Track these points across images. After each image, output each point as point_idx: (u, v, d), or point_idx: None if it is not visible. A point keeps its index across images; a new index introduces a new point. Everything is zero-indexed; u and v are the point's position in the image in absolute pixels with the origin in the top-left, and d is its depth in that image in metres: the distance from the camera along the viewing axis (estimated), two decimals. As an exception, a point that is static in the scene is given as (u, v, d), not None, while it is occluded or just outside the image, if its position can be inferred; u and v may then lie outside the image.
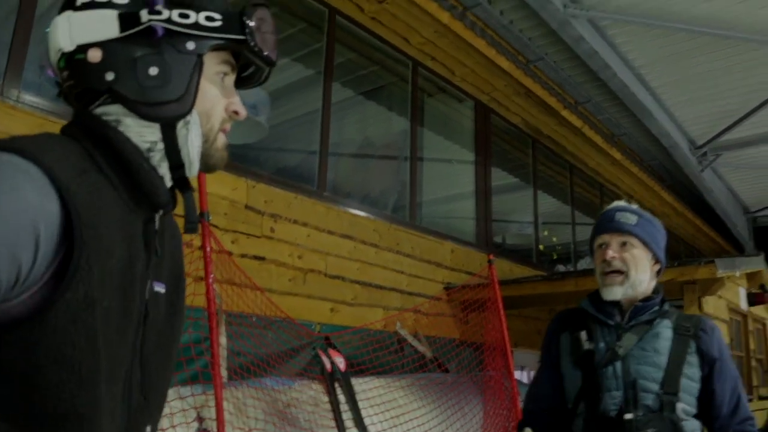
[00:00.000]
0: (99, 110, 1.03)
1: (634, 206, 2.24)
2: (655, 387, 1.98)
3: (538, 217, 7.83)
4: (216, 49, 1.06)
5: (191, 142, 1.05)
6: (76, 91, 1.03)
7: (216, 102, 1.08)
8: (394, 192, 6.04)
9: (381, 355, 4.38)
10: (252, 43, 1.05)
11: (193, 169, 1.07)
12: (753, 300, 7.03)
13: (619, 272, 2.08)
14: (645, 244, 2.12)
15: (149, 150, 1.03)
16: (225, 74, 1.10)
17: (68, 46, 1.01)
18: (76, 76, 1.02)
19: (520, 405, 4.66)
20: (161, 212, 1.07)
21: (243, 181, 4.12)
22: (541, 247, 8.07)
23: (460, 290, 5.42)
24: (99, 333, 0.90)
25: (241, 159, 4.59)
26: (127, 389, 0.99)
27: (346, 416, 3.76)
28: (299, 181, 4.76)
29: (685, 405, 1.99)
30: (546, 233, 8.68)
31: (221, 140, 1.11)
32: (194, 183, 3.26)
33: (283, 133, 6.02)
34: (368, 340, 4.41)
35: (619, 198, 9.75)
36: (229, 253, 3.61)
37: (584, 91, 7.42)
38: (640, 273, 2.09)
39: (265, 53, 1.08)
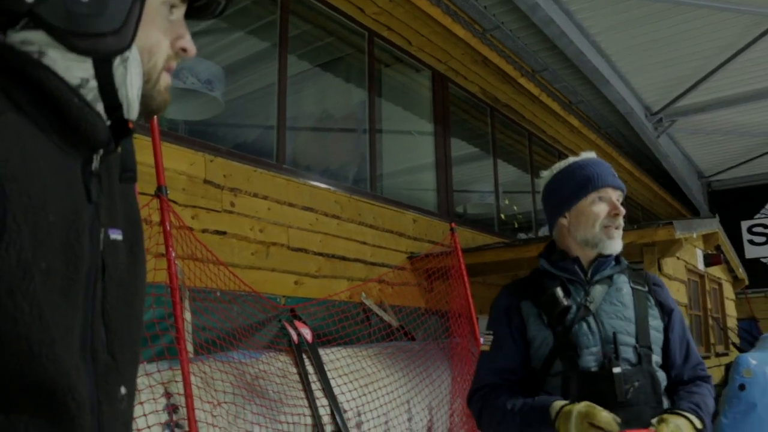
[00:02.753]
0: (17, 37, 0.86)
1: None
2: (632, 340, 1.98)
3: (498, 186, 7.88)
4: None
5: (130, 81, 0.91)
6: None
7: (161, 37, 0.94)
8: (355, 165, 6.01)
9: (347, 326, 4.38)
10: None
11: (132, 112, 0.93)
12: (709, 261, 7.19)
13: (620, 227, 2.09)
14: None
15: (79, 87, 0.88)
16: (173, 6, 0.95)
17: None
18: None
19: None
20: (101, 152, 0.93)
21: (201, 155, 4.06)
22: (502, 216, 8.13)
23: (424, 259, 5.44)
24: (43, 301, 0.78)
25: (198, 135, 4.52)
26: (89, 351, 0.88)
27: (315, 386, 3.75)
28: (258, 155, 4.70)
29: (657, 357, 2.01)
30: (507, 202, 8.74)
31: (165, 80, 0.97)
32: (150, 157, 3.21)
33: (239, 108, 5.93)
34: (334, 311, 4.40)
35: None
36: (190, 229, 3.56)
37: (541, 59, 7.45)
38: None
39: None
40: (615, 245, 2.06)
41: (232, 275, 3.67)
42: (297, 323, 4.04)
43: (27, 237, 0.77)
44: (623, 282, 2.09)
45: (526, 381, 2.07)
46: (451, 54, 6.54)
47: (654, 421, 1.82)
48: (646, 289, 2.10)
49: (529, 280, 2.16)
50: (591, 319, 2.00)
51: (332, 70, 6.23)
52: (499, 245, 5.89)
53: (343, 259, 4.96)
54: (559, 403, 1.87)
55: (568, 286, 2.07)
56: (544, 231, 8.93)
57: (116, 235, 0.96)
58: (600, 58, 7.52)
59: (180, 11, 0.97)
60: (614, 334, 1.96)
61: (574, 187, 2.11)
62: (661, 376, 2.00)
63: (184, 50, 0.98)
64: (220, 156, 4.19)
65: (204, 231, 3.93)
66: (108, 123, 0.92)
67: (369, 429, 3.94)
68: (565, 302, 2.02)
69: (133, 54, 0.90)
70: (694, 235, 5.72)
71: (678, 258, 5.79)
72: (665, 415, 1.85)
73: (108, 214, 0.95)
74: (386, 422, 4.08)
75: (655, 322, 2.05)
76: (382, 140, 6.10)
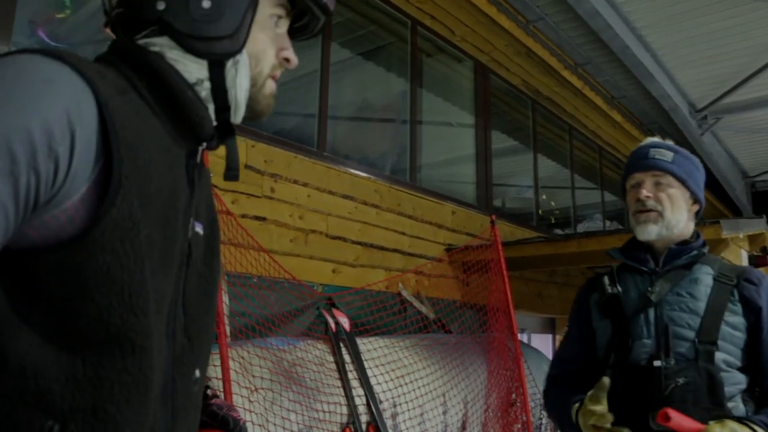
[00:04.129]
0: (143, 41, 0.98)
1: (670, 142, 2.10)
2: (691, 334, 1.84)
3: (538, 180, 7.78)
4: None
5: (239, 83, 1.00)
6: (123, 20, 0.97)
7: (267, 46, 1.04)
8: (394, 154, 5.97)
9: (384, 316, 4.35)
10: None
11: (238, 114, 1.03)
12: (755, 262, 7.00)
13: (653, 210, 1.96)
14: (682, 182, 1.98)
15: (195, 84, 0.98)
16: (279, 18, 1.06)
17: None
18: (125, 2, 0.97)
19: (524, 366, 4.66)
20: (204, 146, 1.03)
21: (242, 140, 4.04)
22: (539, 211, 8.04)
23: (462, 251, 5.38)
24: (145, 259, 0.85)
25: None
26: (170, 329, 0.94)
27: (352, 375, 3.73)
28: (299, 142, 4.68)
29: (727, 356, 1.83)
30: (544, 197, 8.64)
31: (270, 86, 1.06)
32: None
33: (281, 96, 5.90)
34: (370, 301, 4.37)
35: (618, 161, 9.71)
36: (231, 213, 3.55)
37: (584, 52, 7.32)
38: (676, 213, 1.96)
39: (323, 0, 1.06)
40: (642, 231, 1.97)
41: (272, 261, 3.66)
42: (335, 311, 4.02)
43: (135, 197, 0.84)
44: (704, 273, 1.94)
45: (590, 371, 2.01)
46: (494, 45, 6.46)
47: (712, 422, 1.71)
48: (734, 282, 1.91)
49: (607, 271, 2.11)
50: (650, 310, 1.91)
51: (374, 59, 6.19)
52: (539, 239, 5.81)
53: (382, 248, 4.93)
54: (575, 406, 1.88)
55: (632, 276, 2.00)
56: (581, 228, 8.80)
57: (199, 228, 1.03)
58: (645, 52, 7.36)
59: (285, 24, 1.08)
60: (666, 326, 1.86)
61: (622, 176, 2.14)
62: (730, 377, 1.83)
63: (287, 60, 1.07)
64: (262, 141, 4.18)
65: (244, 216, 3.91)
66: (215, 123, 1.02)
67: (404, 420, 3.91)
68: (610, 290, 1.98)
69: (244, 58, 1.00)
70: (741, 236, 5.58)
71: (723, 258, 5.65)
72: (726, 420, 1.72)
73: (196, 207, 1.02)
74: (421, 414, 4.04)
75: (734, 319, 1.86)
76: (422, 131, 6.04)
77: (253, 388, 3.14)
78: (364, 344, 4.02)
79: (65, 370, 0.80)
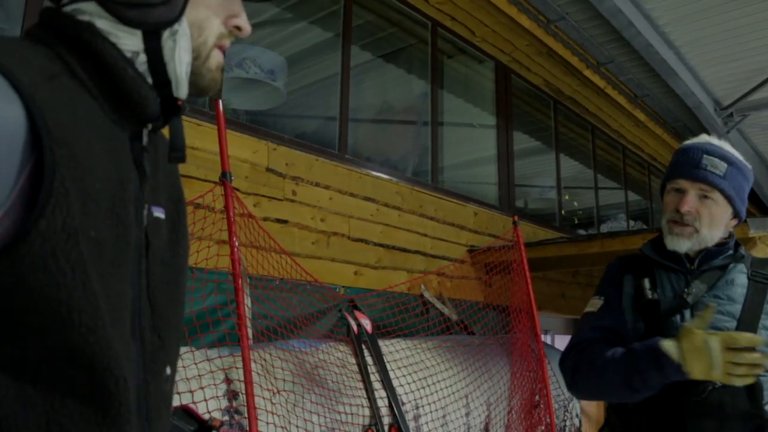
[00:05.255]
0: (70, 8, 0.86)
1: (725, 145, 1.94)
2: None
3: (560, 181, 7.73)
4: None
5: (179, 56, 0.88)
6: None
7: (213, 12, 0.92)
8: (415, 156, 5.97)
9: (406, 318, 4.35)
10: None
11: (181, 89, 0.91)
12: (782, 261, 6.90)
13: (689, 226, 1.86)
14: (728, 199, 1.87)
15: (131, 59, 0.87)
16: None
17: None
18: None
19: (547, 367, 4.62)
20: (150, 127, 0.92)
21: (264, 143, 4.07)
22: (562, 212, 7.98)
23: (484, 252, 5.36)
24: (90, 269, 0.76)
25: (260, 124, 4.54)
26: (137, 329, 0.87)
27: (374, 377, 3.73)
28: (320, 145, 4.70)
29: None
30: (566, 198, 8.58)
31: (216, 59, 0.94)
32: (215, 144, 3.22)
33: (300, 99, 5.95)
34: (393, 303, 4.38)
35: (642, 161, 9.60)
36: (253, 216, 3.57)
37: (606, 51, 7.25)
38: (712, 230, 1.87)
39: None
40: (673, 243, 1.88)
41: (294, 263, 3.67)
42: (357, 313, 4.02)
43: (74, 202, 0.75)
44: (739, 272, 1.88)
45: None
46: (515, 45, 6.43)
47: None
48: None
49: (638, 258, 2.02)
50: (686, 312, 1.84)
51: (394, 61, 6.19)
52: (562, 240, 5.77)
53: (404, 250, 4.93)
54: (670, 343, 1.69)
55: (667, 275, 1.92)
56: (604, 228, 8.73)
57: (159, 212, 0.94)
58: (668, 49, 7.28)
59: None
60: None
61: (666, 172, 2.00)
62: None
63: (238, 29, 0.95)
64: (283, 144, 4.20)
65: (265, 219, 3.94)
66: (159, 99, 0.90)
67: (426, 422, 3.90)
68: (650, 295, 1.89)
69: (183, 28, 0.88)
70: (768, 234, 5.49)
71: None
72: None
73: (152, 191, 0.93)
74: (444, 416, 4.03)
75: None
76: (443, 132, 6.03)
77: (275, 390, 3.15)
78: (386, 346, 4.02)
79: (19, 398, 0.73)
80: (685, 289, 1.87)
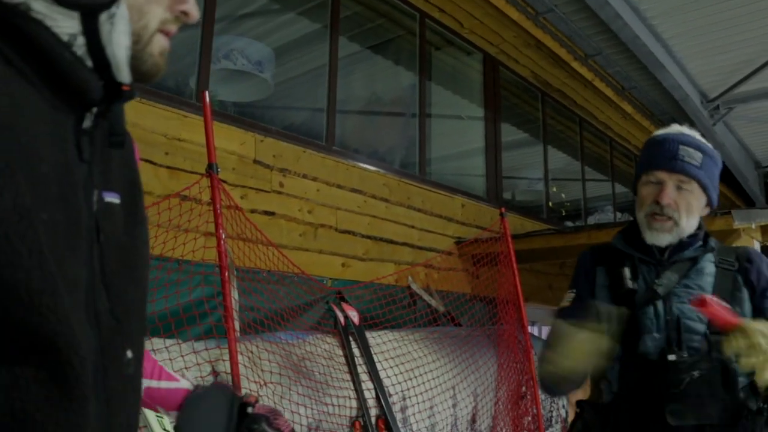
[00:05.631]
0: None
1: (697, 135, 1.96)
2: (702, 327, 1.82)
3: (548, 173, 7.75)
4: None
5: (117, 40, 0.85)
6: None
7: None
8: (403, 148, 5.97)
9: (393, 309, 4.36)
10: None
11: (121, 73, 0.87)
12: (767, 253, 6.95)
13: (670, 217, 1.87)
14: (704, 189, 1.90)
15: (69, 43, 0.83)
16: None
17: None
18: None
19: (534, 357, 4.65)
20: (94, 111, 0.89)
21: (251, 135, 4.06)
22: (550, 204, 8.01)
23: (471, 244, 5.38)
24: (45, 250, 0.75)
25: (247, 116, 4.52)
26: (92, 314, 0.85)
27: (361, 369, 3.74)
28: (307, 137, 4.69)
29: None
30: (554, 189, 8.61)
31: (158, 43, 0.91)
32: (201, 136, 3.21)
33: (288, 90, 5.93)
34: (380, 295, 4.38)
35: (629, 153, 9.64)
36: (240, 208, 3.56)
37: (594, 43, 7.26)
38: (690, 219, 1.88)
39: None
40: (656, 237, 1.89)
41: (281, 255, 3.67)
42: (344, 305, 4.03)
43: (23, 184, 0.73)
44: (707, 261, 1.90)
45: None
46: (503, 37, 6.44)
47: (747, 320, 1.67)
48: (735, 267, 1.88)
49: (609, 249, 2.02)
50: (659, 303, 1.86)
51: (382, 53, 6.18)
52: (549, 232, 5.80)
53: (391, 242, 4.93)
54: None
55: (640, 266, 1.94)
56: (591, 220, 8.78)
57: (112, 197, 0.92)
58: (655, 41, 7.30)
59: None
60: (678, 318, 1.82)
61: (638, 164, 2.01)
62: None
63: (185, 14, 0.92)
64: (270, 136, 4.19)
65: (253, 211, 3.93)
66: (101, 83, 0.87)
67: (414, 414, 3.92)
68: (630, 285, 1.90)
69: (121, 11, 0.85)
70: (753, 226, 5.53)
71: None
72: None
73: (102, 176, 0.91)
74: (431, 407, 4.05)
75: (741, 307, 1.84)
76: (431, 124, 6.04)
77: (262, 383, 3.15)
78: (373, 338, 4.03)
79: None
80: (656, 281, 1.88)
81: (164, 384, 1.29)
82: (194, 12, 0.92)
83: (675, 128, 2.00)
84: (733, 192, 12.62)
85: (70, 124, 0.85)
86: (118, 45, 0.85)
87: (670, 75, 7.81)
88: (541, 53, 6.78)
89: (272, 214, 4.08)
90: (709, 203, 1.95)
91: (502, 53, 6.76)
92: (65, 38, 0.83)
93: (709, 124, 9.22)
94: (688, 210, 1.88)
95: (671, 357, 1.79)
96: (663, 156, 1.91)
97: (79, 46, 0.84)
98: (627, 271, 1.92)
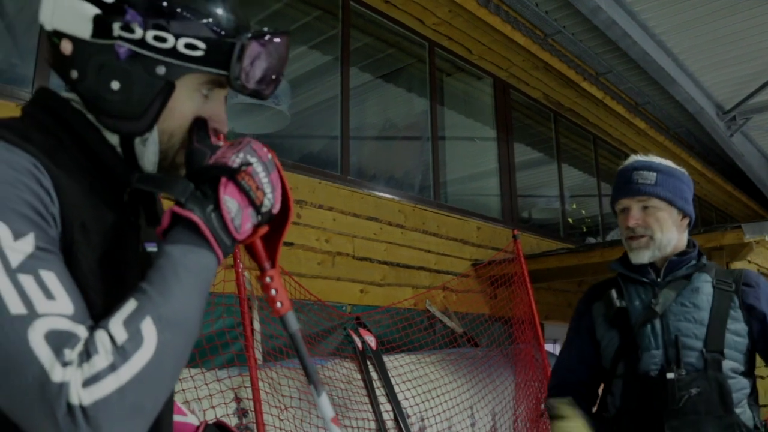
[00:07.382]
0: (69, 94, 1.03)
1: (653, 159, 2.12)
2: (699, 344, 1.91)
3: (563, 191, 7.83)
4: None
5: (147, 158, 1.04)
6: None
7: (186, 120, 1.04)
8: (419, 173, 6.10)
9: (411, 333, 4.47)
10: (237, 81, 1.01)
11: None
12: (786, 265, 6.93)
13: (643, 236, 2.02)
14: (669, 202, 2.02)
15: (114, 146, 1.04)
16: (211, 89, 1.05)
17: (47, 26, 0.99)
18: (50, 56, 1.02)
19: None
20: (128, 189, 1.06)
21: (267, 169, 4.20)
22: (570, 220, 8.07)
23: (487, 266, 5.48)
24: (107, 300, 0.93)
25: (264, 148, 4.68)
26: None
27: (380, 392, 3.86)
28: (324, 166, 4.85)
29: (733, 362, 1.91)
30: (574, 206, 8.66)
31: (182, 157, 1.06)
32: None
33: (305, 120, 6.10)
34: (398, 319, 4.50)
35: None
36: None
37: (604, 61, 7.37)
38: (666, 233, 2.01)
39: (251, 88, 1.04)
40: (637, 255, 2.03)
41: (298, 284, 3.81)
42: (361, 331, 4.15)
43: (86, 249, 0.93)
44: (704, 282, 2.01)
45: (592, 380, 2.12)
46: (512, 61, 6.57)
47: None
48: (732, 288, 1.99)
49: (607, 283, 2.16)
50: (656, 321, 1.97)
51: (394, 81, 6.34)
52: (562, 251, 5.88)
53: (408, 267, 5.05)
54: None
55: (635, 287, 2.06)
56: (612, 235, 8.80)
57: (152, 247, 1.10)
58: (666, 57, 7.37)
59: (221, 92, 1.08)
60: (676, 337, 1.92)
61: (610, 198, 2.19)
62: (737, 383, 1.91)
63: (215, 131, 1.08)
64: (286, 169, 4.28)
65: (271, 242, 4.07)
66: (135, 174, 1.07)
67: (433, 434, 4.01)
68: (618, 303, 2.03)
69: (153, 136, 1.03)
70: (767, 238, 5.56)
71: (749, 261, 5.64)
72: None
73: (145, 231, 1.10)
74: (449, 428, 4.14)
75: (737, 326, 1.94)
76: (445, 148, 6.17)
77: (283, 407, 3.29)
78: (391, 361, 4.14)
79: None
80: (653, 300, 2.00)
81: (174, 417, 1.45)
82: (224, 129, 1.09)
83: (631, 158, 2.16)
84: (757, 202, 12.53)
85: (116, 197, 1.04)
86: (148, 161, 1.05)
87: (683, 89, 7.86)
88: (551, 75, 6.89)
89: (291, 244, 4.23)
90: (685, 214, 2.08)
91: (512, 77, 6.88)
92: (110, 142, 1.04)
93: (726, 135, 9.23)
94: (659, 224, 2.02)
95: (670, 375, 1.90)
96: (623, 185, 2.09)
97: (119, 152, 1.05)
98: (613, 292, 2.07)
